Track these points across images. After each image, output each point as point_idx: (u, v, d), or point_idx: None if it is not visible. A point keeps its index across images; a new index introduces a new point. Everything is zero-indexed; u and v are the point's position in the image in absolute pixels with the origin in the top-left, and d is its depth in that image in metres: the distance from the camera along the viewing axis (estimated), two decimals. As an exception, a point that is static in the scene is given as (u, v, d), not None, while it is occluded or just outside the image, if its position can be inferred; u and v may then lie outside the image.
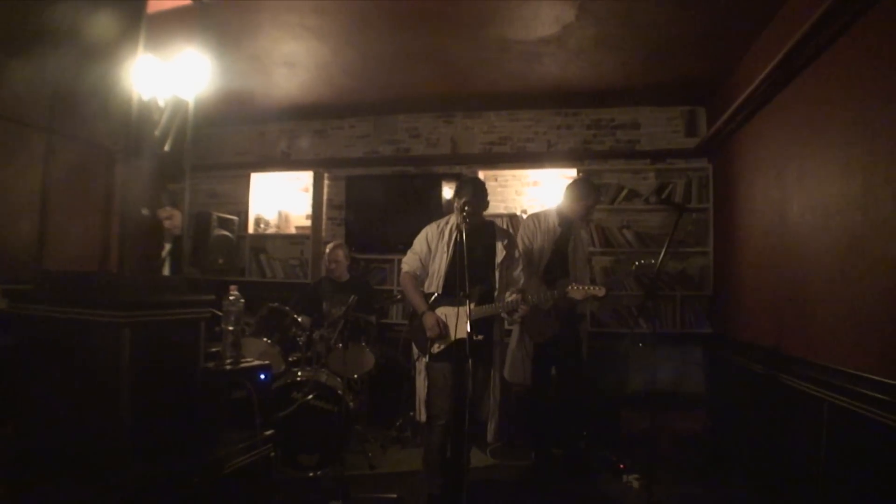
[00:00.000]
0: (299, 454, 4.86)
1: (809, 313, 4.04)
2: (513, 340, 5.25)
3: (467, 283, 3.82)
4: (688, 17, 4.69)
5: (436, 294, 4.35)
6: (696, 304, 6.54)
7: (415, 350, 4.52)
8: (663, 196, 6.54)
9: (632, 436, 5.49)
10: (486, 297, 4.29)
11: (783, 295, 4.50)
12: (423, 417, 4.33)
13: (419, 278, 4.49)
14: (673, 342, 6.14)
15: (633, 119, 6.91)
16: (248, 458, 3.15)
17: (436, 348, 4.25)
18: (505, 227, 6.86)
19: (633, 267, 5.11)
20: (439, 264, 4.37)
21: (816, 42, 3.79)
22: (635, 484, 4.87)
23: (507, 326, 4.97)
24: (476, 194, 4.30)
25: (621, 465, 5.11)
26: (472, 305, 3.95)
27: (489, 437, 4.48)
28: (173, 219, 4.69)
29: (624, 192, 6.78)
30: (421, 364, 4.39)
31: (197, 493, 2.75)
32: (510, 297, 4.27)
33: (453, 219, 4.44)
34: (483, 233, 4.41)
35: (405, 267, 4.49)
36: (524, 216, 6.89)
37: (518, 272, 4.56)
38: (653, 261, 4.87)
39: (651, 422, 4.95)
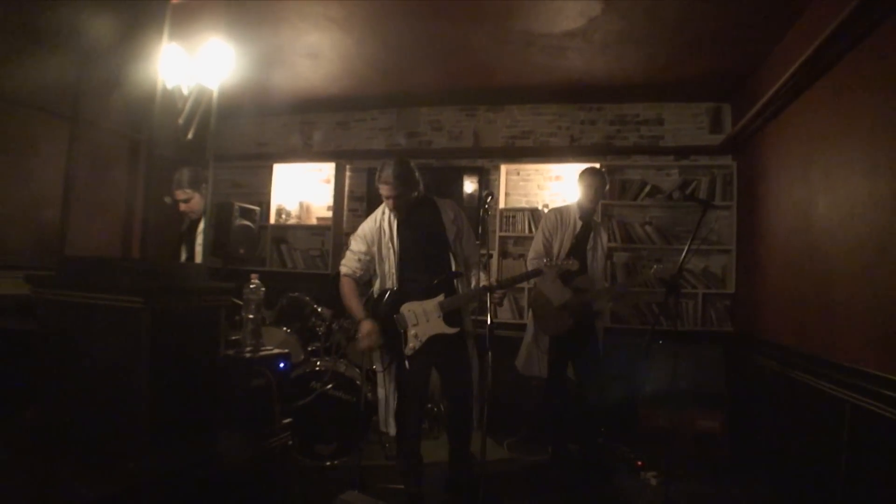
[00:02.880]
0: (316, 443, 4.89)
1: (833, 313, 3.98)
2: (528, 334, 5.28)
3: (431, 273, 3.82)
4: (714, 12, 4.64)
5: (390, 291, 4.07)
6: (718, 302, 6.48)
7: (376, 357, 4.20)
8: (687, 192, 6.48)
9: (650, 433, 5.46)
10: (451, 284, 4.06)
11: (806, 294, 4.45)
12: (394, 431, 4.10)
13: (361, 280, 4.22)
14: (693, 340, 6.11)
15: (658, 115, 6.86)
16: (265, 447, 3.17)
17: (409, 350, 3.96)
18: (526, 221, 6.87)
19: (651, 271, 5.06)
20: (388, 261, 4.09)
21: (845, 40, 3.73)
22: (653, 481, 4.84)
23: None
24: (385, 183, 3.98)
25: (639, 462, 5.08)
26: (443, 297, 3.87)
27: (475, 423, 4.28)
28: (190, 202, 4.69)
29: (647, 189, 6.72)
30: (388, 372, 4.14)
31: (214, 480, 2.77)
32: (483, 282, 3.97)
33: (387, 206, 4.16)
34: (425, 213, 4.14)
35: (343, 269, 4.16)
36: (545, 210, 6.86)
37: (473, 244, 4.22)
38: (656, 266, 4.83)
39: (670, 419, 4.92)
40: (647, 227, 6.64)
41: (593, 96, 6.87)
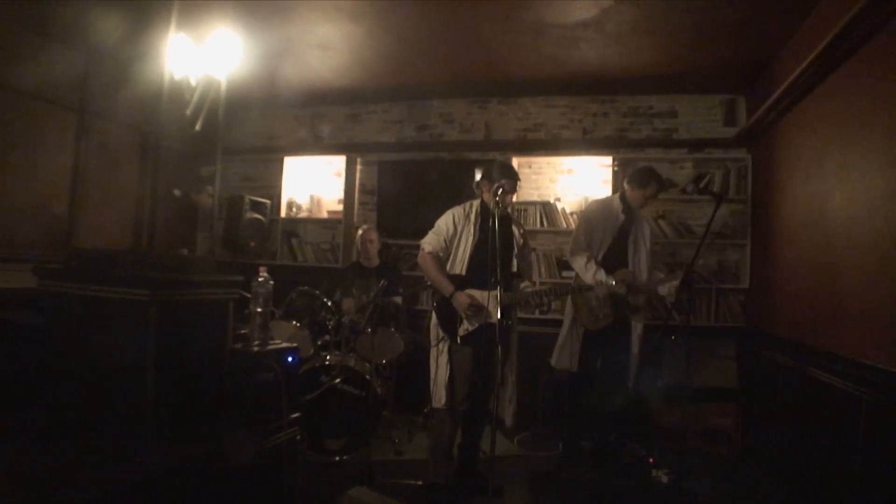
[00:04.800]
0: (326, 438, 4.87)
1: (848, 309, 3.93)
2: (564, 326, 5.23)
3: (499, 269, 3.80)
4: (729, 2, 4.58)
5: (459, 277, 4.29)
6: (732, 297, 6.41)
7: (433, 335, 4.41)
8: (701, 186, 6.41)
9: (662, 429, 5.41)
10: (508, 284, 4.28)
11: (821, 289, 4.39)
12: (443, 402, 4.24)
13: (440, 260, 4.43)
14: (706, 335, 6.05)
15: (671, 107, 6.79)
16: (273, 441, 3.14)
17: (462, 330, 4.19)
18: (538, 215, 6.84)
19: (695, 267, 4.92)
20: (464, 248, 4.32)
21: (861, 30, 3.67)
22: (664, 479, 4.79)
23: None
24: (511, 178, 4.29)
25: (651, 460, 5.03)
26: (501, 290, 3.91)
27: (508, 422, 4.45)
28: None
29: (660, 182, 6.65)
30: (443, 348, 4.30)
31: (221, 475, 2.74)
32: (539, 286, 4.28)
33: (477, 203, 4.45)
34: (504, 220, 4.34)
35: (427, 248, 4.37)
36: (557, 203, 6.82)
37: (530, 261, 4.66)
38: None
39: (682, 416, 4.87)
40: (661, 221, 6.57)
41: (606, 88, 6.81)
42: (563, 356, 5.13)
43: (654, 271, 5.19)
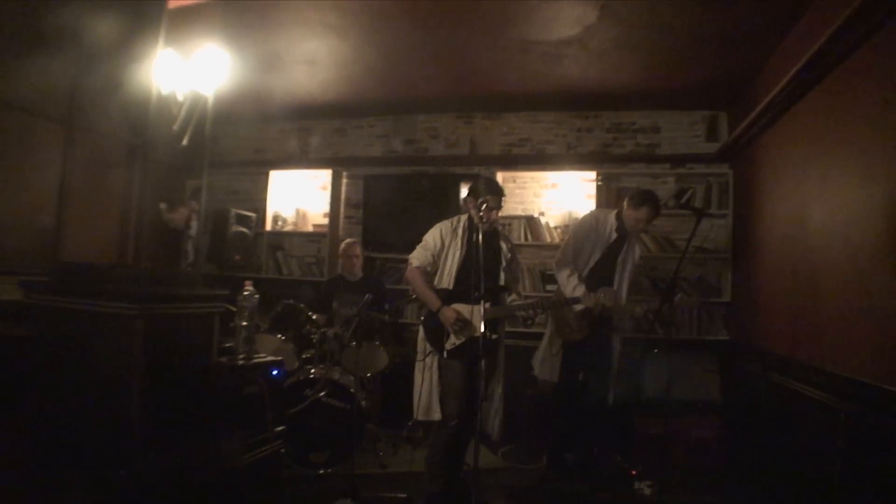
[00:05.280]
0: (310, 452, 4.87)
1: (827, 322, 3.98)
2: (545, 337, 5.29)
3: (482, 284, 3.82)
4: (711, 19, 4.64)
5: (446, 291, 4.31)
6: (714, 310, 6.46)
7: (420, 348, 4.42)
8: (682, 201, 6.46)
9: (645, 442, 5.44)
10: (496, 298, 4.33)
11: (801, 303, 4.44)
12: (436, 416, 4.24)
13: (428, 274, 4.45)
14: (689, 348, 6.09)
15: (654, 123, 6.86)
16: (258, 455, 3.16)
17: (449, 344, 4.21)
18: (523, 229, 6.88)
19: (677, 299, 4.88)
20: (451, 262, 4.34)
21: (841, 46, 3.73)
22: (647, 491, 4.82)
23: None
24: (496, 195, 4.30)
25: (633, 472, 5.06)
26: (488, 305, 3.93)
27: (494, 435, 4.49)
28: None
29: (643, 197, 6.70)
30: (431, 362, 4.31)
31: (206, 488, 2.75)
32: (523, 301, 4.40)
33: (465, 218, 4.47)
34: (492, 235, 4.42)
35: (414, 262, 4.40)
36: (542, 218, 6.86)
37: (517, 275, 4.71)
38: (681, 295, 4.67)
39: (664, 428, 4.90)
40: (643, 236, 6.60)
41: (590, 104, 6.88)
42: (545, 366, 5.17)
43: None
